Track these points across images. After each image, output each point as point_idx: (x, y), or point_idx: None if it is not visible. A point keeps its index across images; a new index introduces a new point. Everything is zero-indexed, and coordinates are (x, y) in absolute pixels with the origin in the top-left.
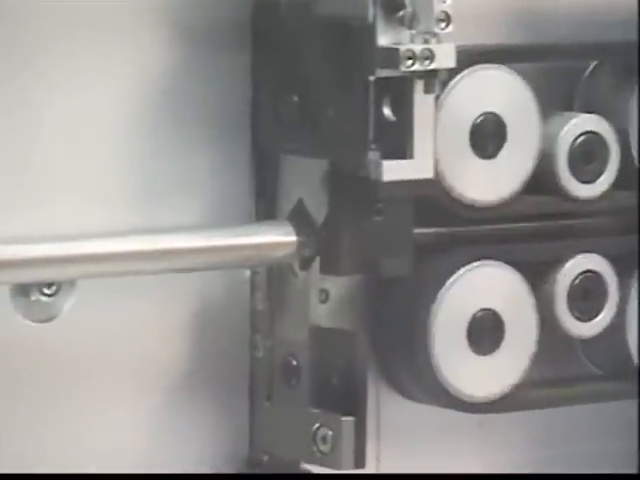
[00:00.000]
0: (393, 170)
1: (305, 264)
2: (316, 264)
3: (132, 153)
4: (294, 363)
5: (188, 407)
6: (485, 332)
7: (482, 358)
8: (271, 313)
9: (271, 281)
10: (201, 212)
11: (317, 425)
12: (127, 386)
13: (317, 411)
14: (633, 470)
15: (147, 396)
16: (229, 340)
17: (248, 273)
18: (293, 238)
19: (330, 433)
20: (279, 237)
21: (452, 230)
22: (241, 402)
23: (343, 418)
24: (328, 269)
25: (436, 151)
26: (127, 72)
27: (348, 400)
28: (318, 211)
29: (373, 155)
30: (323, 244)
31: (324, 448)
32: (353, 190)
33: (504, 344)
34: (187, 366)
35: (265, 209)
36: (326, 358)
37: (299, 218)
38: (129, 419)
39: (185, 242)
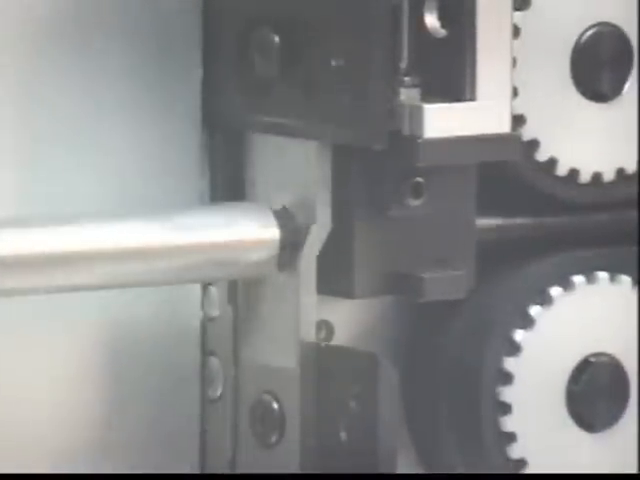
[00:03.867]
0: (441, 120)
1: (287, 261)
2: (308, 277)
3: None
4: (275, 407)
5: None
6: (599, 393)
7: (595, 437)
8: (235, 323)
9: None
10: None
11: None
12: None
13: None
14: (633, 470)
15: None
16: (167, 370)
17: None
18: (275, 232)
19: None
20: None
21: (542, 222)
22: (188, 471)
23: None
24: (333, 288)
25: (515, 89)
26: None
27: (365, 468)
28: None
29: (408, 94)
30: (324, 246)
31: None
32: (373, 157)
33: (630, 410)
34: (99, 420)
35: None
36: (329, 397)
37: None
38: None
39: (91, 241)
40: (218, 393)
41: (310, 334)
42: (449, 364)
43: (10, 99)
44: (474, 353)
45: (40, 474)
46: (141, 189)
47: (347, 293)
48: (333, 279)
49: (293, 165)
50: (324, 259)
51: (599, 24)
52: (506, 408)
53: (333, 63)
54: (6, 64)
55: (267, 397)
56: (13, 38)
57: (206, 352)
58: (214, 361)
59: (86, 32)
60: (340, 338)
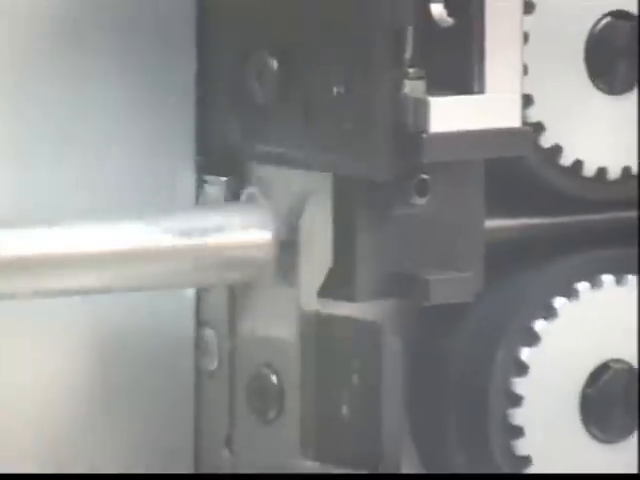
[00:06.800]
0: (447, 113)
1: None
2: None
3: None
4: (273, 380)
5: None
6: (613, 402)
7: (609, 447)
8: (231, 292)
9: None
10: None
11: None
12: None
13: (314, 465)
14: (633, 470)
15: None
16: (161, 340)
17: None
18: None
19: None
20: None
21: (555, 222)
22: (182, 448)
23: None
24: (334, 292)
25: (526, 81)
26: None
27: (368, 444)
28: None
29: (412, 86)
30: (325, 248)
31: None
32: (374, 153)
33: None
34: (96, 394)
35: None
36: (330, 370)
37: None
38: None
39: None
40: (214, 366)
41: (311, 303)
42: (457, 376)
43: (3, 97)
44: (484, 363)
45: (36, 474)
46: (137, 188)
47: (348, 296)
48: (335, 283)
49: (293, 195)
50: (324, 260)
51: (612, 13)
52: (517, 400)
53: (334, 89)
54: (0, 63)
55: (265, 370)
56: (7, 37)
57: (201, 323)
58: (209, 333)
59: (82, 30)
60: None
